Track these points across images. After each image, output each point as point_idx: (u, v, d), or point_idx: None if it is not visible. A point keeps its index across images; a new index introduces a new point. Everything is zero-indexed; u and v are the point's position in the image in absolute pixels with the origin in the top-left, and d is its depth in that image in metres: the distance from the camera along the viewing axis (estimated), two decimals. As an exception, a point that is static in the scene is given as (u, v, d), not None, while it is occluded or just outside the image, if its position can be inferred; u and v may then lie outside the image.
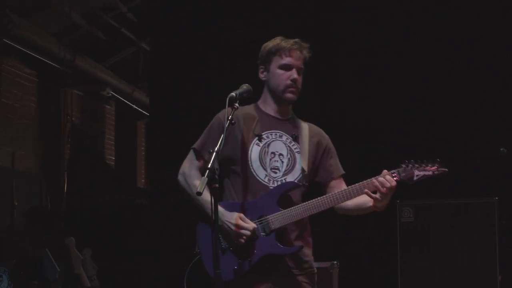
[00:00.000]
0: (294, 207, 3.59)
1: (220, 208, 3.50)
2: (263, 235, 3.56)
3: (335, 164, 3.84)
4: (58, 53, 9.12)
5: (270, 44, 3.77)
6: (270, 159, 3.68)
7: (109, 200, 10.18)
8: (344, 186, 3.76)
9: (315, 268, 3.75)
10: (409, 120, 6.71)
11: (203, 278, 3.55)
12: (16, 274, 6.44)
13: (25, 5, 8.71)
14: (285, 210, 3.58)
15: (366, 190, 3.51)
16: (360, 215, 3.73)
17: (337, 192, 3.60)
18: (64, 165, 9.86)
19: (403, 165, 3.53)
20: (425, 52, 6.76)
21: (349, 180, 3.76)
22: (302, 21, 6.82)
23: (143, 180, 12.30)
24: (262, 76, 3.80)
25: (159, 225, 7.23)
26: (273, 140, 3.73)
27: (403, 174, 3.51)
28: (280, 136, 3.75)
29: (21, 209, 7.88)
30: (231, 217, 3.54)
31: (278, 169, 3.68)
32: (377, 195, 3.50)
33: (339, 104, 6.79)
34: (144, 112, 11.51)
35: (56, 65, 9.46)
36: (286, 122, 3.80)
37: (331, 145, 3.87)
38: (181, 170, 3.75)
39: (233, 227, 3.53)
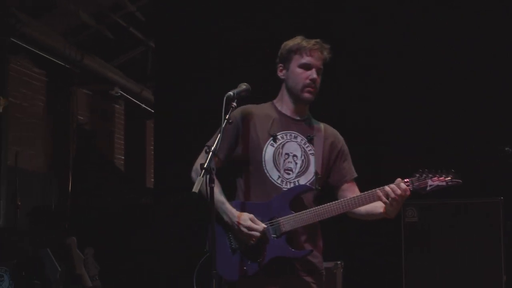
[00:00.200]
0: (306, 210, 3.57)
1: (231, 208, 3.55)
2: (273, 237, 3.55)
3: (348, 167, 3.82)
4: (66, 53, 9.19)
5: (290, 42, 3.74)
6: (284, 160, 3.67)
7: (114, 199, 10.20)
8: (356, 189, 3.76)
9: (323, 270, 3.75)
10: (409, 120, 6.67)
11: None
12: (17, 274, 6.47)
13: (34, 5, 8.78)
14: (297, 213, 3.57)
15: (379, 194, 3.49)
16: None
17: (350, 198, 3.59)
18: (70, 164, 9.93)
19: (417, 175, 3.51)
20: (425, 52, 6.72)
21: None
22: (302, 21, 6.79)
23: (152, 180, 12.31)
24: (280, 74, 3.77)
25: (163, 224, 7.24)
26: (288, 141, 3.71)
27: (416, 183, 3.49)
28: (295, 137, 3.73)
29: (30, 209, 7.95)
30: (242, 218, 3.54)
31: (291, 170, 3.67)
32: (389, 200, 3.48)
33: (339, 104, 6.77)
34: (153, 111, 11.54)
35: (65, 65, 9.52)
36: (302, 123, 3.78)
37: (345, 148, 3.85)
38: (194, 167, 3.69)
39: (243, 228, 3.52)
